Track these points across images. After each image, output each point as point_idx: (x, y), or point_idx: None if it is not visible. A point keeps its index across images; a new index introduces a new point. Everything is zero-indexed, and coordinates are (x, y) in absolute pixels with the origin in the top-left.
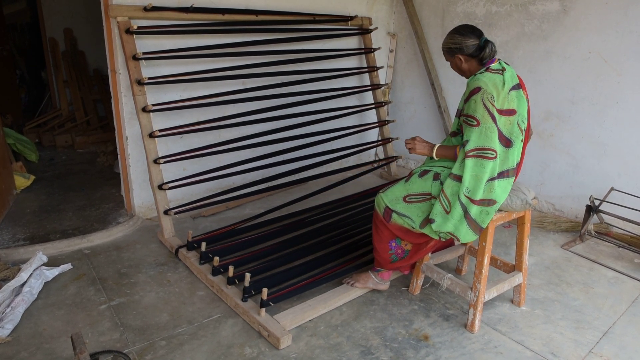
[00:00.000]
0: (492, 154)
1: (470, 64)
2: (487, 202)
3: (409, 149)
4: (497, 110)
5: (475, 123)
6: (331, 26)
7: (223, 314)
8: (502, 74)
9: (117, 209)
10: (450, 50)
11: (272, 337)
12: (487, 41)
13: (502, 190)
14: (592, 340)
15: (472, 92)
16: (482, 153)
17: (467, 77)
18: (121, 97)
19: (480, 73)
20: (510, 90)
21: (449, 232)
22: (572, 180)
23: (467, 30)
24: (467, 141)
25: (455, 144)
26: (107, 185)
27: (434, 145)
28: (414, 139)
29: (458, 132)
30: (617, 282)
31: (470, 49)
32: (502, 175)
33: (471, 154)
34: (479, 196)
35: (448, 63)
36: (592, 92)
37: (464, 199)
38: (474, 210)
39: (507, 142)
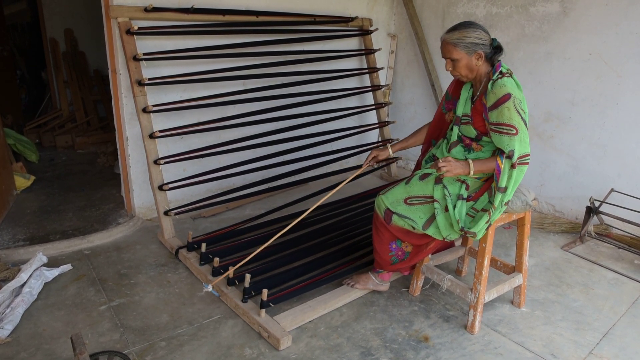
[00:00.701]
0: (529, 159)
1: (483, 63)
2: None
3: (445, 171)
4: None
5: (515, 131)
6: (331, 27)
7: (223, 315)
8: (513, 77)
9: (117, 209)
10: (474, 45)
11: (272, 338)
12: (499, 42)
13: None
14: (592, 341)
15: (501, 100)
16: (523, 160)
17: (468, 79)
18: (121, 98)
19: (500, 78)
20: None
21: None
22: (572, 181)
23: (485, 28)
24: (512, 151)
25: (457, 156)
26: (107, 186)
27: (468, 162)
28: (446, 159)
29: (460, 142)
30: (617, 283)
31: (490, 47)
32: None
33: (517, 162)
34: (508, 199)
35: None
36: (592, 94)
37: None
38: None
39: None
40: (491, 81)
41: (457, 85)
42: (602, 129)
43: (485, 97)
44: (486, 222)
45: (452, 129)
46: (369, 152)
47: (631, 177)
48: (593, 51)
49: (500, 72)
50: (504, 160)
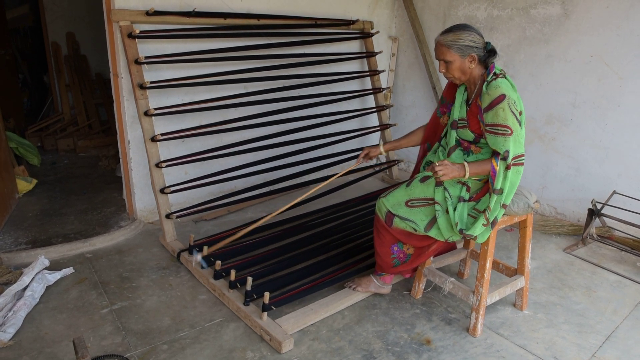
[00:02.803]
0: (524, 159)
1: (477, 66)
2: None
3: (441, 175)
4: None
5: (509, 132)
6: (333, 30)
7: (225, 318)
8: (507, 78)
9: (119, 212)
10: (467, 48)
11: (274, 341)
12: (493, 46)
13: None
14: (594, 344)
15: (496, 101)
16: (518, 160)
17: (462, 82)
18: (123, 101)
19: (494, 79)
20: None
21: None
22: (574, 183)
23: (480, 31)
24: (507, 152)
25: (455, 160)
26: (109, 189)
27: (464, 165)
28: (442, 163)
29: (458, 145)
30: (620, 285)
31: (483, 51)
32: None
33: (512, 163)
34: (509, 201)
35: None
36: (594, 96)
37: (500, 207)
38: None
39: None
40: (485, 83)
41: (451, 88)
42: (604, 131)
43: (480, 99)
44: (484, 225)
45: (446, 133)
46: (361, 150)
47: (633, 179)
48: (594, 53)
49: (494, 74)
50: (499, 162)
